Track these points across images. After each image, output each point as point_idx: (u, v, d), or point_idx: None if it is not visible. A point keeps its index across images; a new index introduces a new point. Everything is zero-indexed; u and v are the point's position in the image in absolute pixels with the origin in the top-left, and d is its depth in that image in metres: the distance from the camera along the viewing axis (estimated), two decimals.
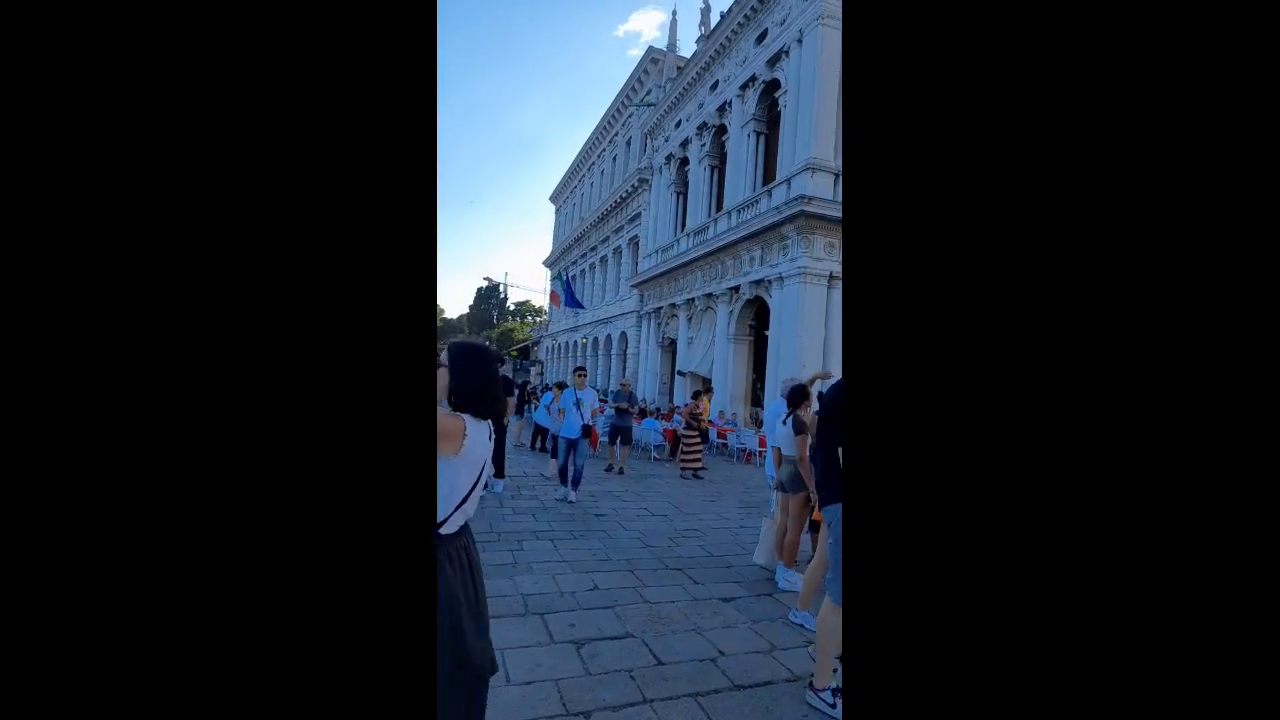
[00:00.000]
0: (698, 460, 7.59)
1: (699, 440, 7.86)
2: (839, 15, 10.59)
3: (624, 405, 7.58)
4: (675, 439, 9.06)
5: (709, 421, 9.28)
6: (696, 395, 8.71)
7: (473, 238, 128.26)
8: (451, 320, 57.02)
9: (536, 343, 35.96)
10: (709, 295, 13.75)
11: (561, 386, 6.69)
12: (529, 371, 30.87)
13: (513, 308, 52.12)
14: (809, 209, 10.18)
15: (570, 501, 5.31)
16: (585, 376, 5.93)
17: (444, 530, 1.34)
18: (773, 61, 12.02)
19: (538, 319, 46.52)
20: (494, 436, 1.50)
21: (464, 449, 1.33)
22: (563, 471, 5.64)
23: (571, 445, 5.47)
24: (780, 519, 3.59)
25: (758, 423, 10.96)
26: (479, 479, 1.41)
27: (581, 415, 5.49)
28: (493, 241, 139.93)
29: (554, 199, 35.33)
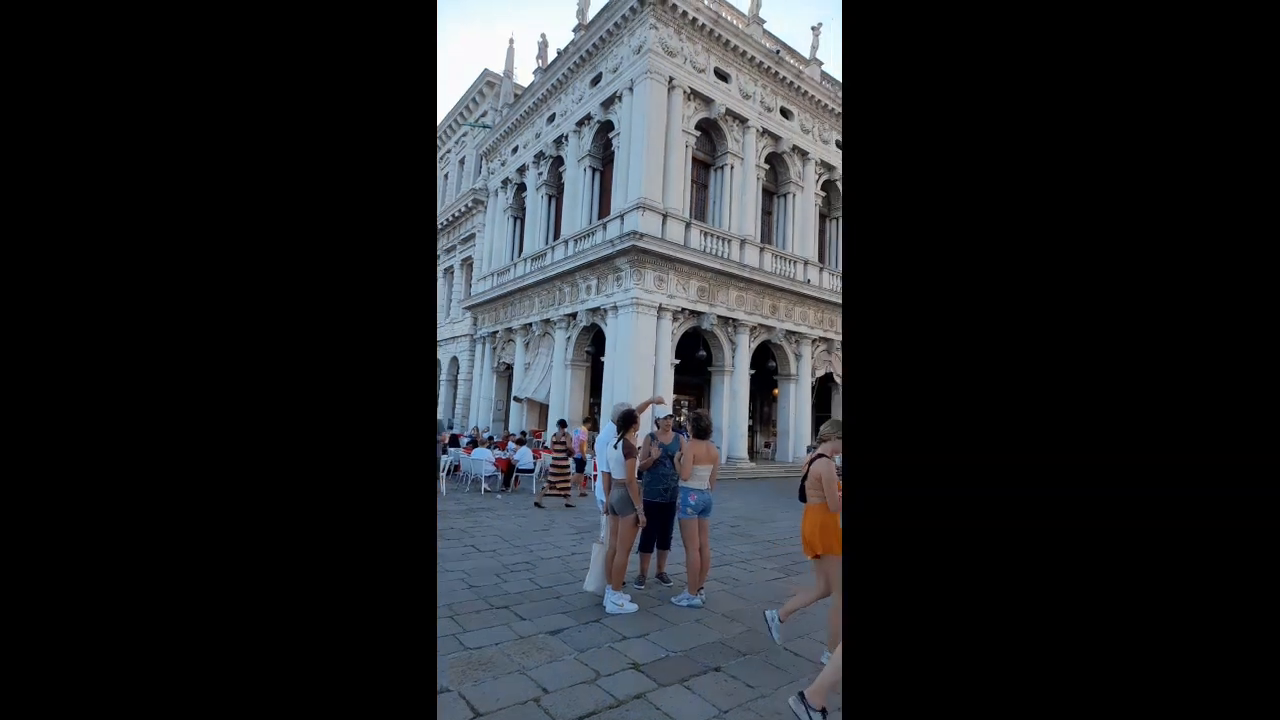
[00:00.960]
0: (566, 491, 7.47)
1: (569, 469, 7.73)
2: (665, 72, 11.70)
3: None
4: (509, 468, 8.70)
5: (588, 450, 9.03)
6: (563, 424, 8.40)
7: None
8: None
9: None
10: (547, 321, 13.71)
11: None
12: None
13: None
14: (640, 244, 10.85)
15: None
16: None
17: None
18: (607, 104, 12.73)
19: None
20: None
21: None
22: None
23: None
24: (610, 542, 3.64)
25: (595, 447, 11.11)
26: None
27: None
28: None
29: None
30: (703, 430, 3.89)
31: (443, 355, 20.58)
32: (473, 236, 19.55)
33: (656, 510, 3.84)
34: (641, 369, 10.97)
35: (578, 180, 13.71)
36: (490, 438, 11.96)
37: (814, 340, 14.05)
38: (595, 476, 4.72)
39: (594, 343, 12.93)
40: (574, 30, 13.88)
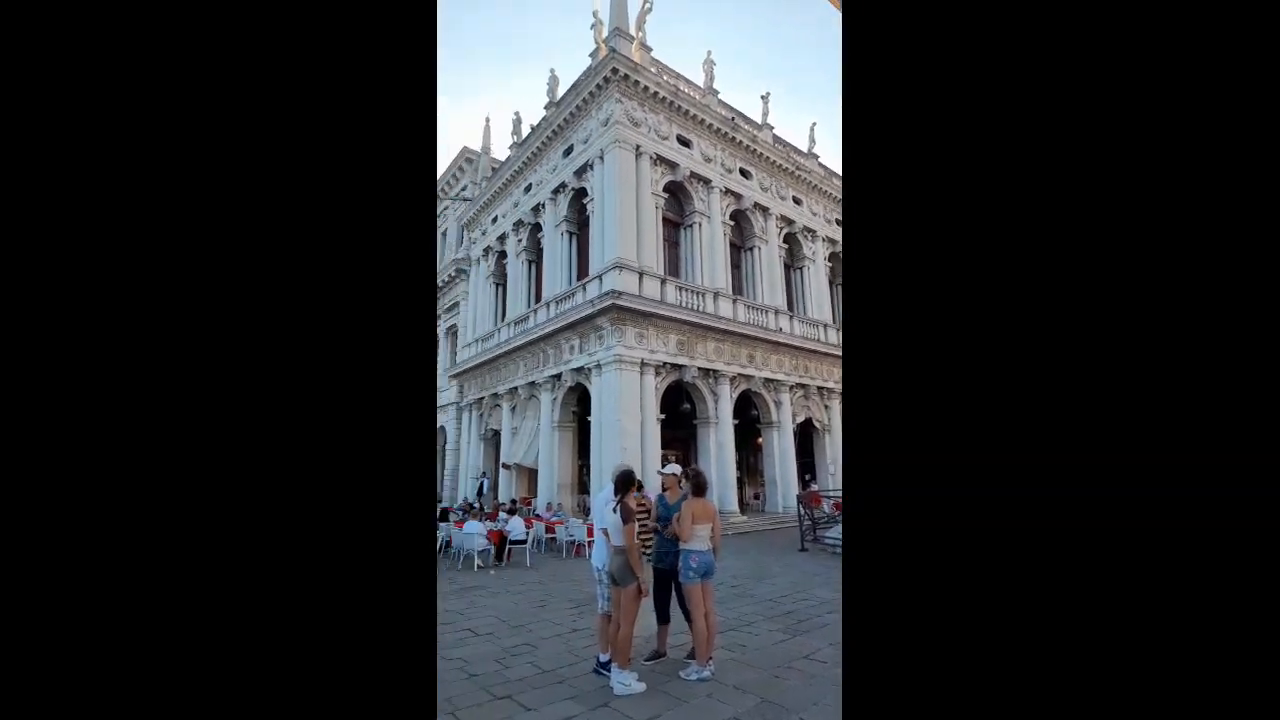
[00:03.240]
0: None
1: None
2: (631, 141, 12.39)
3: None
4: (501, 540, 8.44)
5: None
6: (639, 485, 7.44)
7: None
8: None
9: None
10: (532, 384, 13.71)
11: None
12: None
13: None
14: (620, 302, 11.11)
15: None
16: None
17: None
18: (580, 172, 13.34)
19: None
20: None
21: None
22: None
23: None
24: (614, 615, 3.51)
25: (585, 511, 10.87)
26: None
27: None
28: None
29: None
30: (700, 487, 3.85)
31: None
32: (456, 305, 19.77)
33: (659, 578, 3.75)
34: (629, 427, 10.94)
35: (556, 244, 14.12)
36: (479, 508, 11.63)
37: (791, 386, 14.24)
38: (592, 540, 4.61)
39: (580, 403, 12.91)
40: (545, 107, 14.71)
